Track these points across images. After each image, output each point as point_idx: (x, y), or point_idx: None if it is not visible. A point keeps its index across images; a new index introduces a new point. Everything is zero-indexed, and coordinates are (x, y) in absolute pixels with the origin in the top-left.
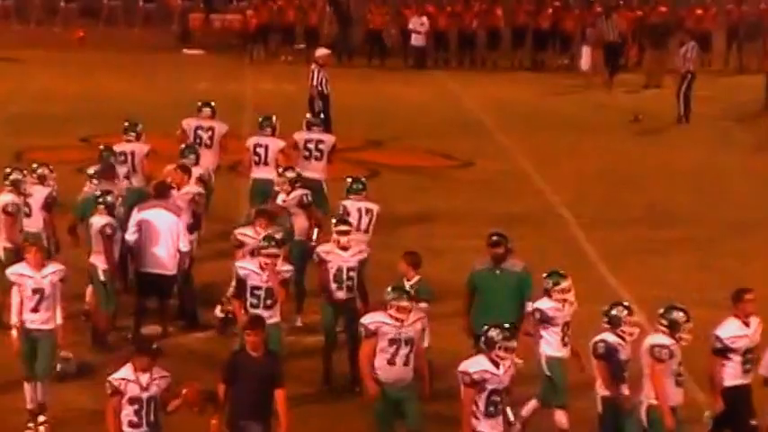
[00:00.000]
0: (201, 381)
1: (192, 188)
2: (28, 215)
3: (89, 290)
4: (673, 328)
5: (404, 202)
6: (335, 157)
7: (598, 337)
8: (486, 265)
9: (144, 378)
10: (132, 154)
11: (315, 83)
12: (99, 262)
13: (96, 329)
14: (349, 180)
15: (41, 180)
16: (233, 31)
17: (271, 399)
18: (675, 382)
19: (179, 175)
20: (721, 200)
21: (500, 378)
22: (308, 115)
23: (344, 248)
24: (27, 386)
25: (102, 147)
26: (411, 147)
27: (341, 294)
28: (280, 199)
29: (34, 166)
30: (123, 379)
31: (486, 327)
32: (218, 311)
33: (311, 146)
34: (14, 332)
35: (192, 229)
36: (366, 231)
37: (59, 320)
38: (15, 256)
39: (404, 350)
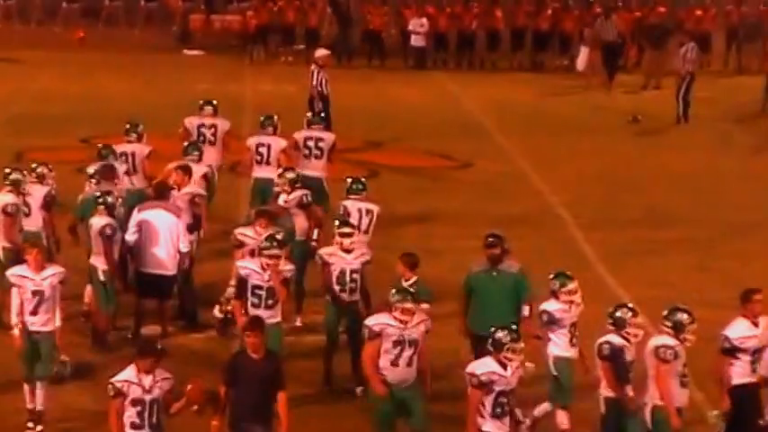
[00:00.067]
0: (191, 381)
1: (193, 189)
2: (27, 214)
3: (88, 290)
4: (677, 329)
5: (403, 202)
6: (336, 157)
7: (603, 339)
8: (483, 267)
9: (147, 380)
10: (133, 155)
11: (315, 83)
12: (99, 262)
13: (96, 330)
14: (349, 180)
15: (40, 179)
16: (233, 31)
17: (272, 400)
18: (680, 383)
19: (179, 175)
20: (720, 201)
21: (507, 379)
22: (309, 114)
23: (347, 251)
24: (27, 386)
25: (101, 146)
26: (410, 147)
27: (344, 296)
28: (281, 199)
29: (33, 165)
30: (126, 381)
31: (493, 329)
32: (216, 312)
33: (311, 144)
34: (16, 331)
35: (191, 229)
36: (366, 232)
37: (58, 323)
38: (15, 255)
39: (408, 352)
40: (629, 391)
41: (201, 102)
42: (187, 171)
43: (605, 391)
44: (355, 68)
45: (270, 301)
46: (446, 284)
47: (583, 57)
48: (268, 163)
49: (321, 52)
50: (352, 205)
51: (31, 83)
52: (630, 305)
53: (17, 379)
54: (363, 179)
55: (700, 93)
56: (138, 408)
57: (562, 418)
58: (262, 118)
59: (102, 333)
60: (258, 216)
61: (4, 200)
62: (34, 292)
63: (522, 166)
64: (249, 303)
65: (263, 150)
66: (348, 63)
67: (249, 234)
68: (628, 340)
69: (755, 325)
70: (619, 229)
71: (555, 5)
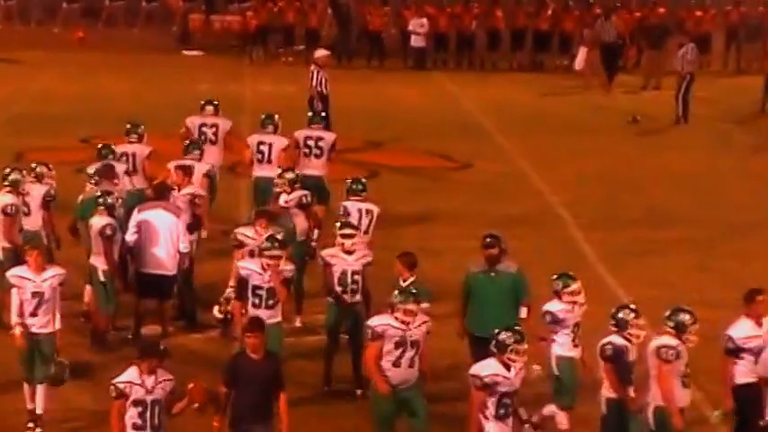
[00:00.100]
0: (193, 379)
1: (192, 189)
2: (27, 214)
3: (87, 290)
4: (679, 329)
5: (403, 202)
6: (336, 157)
7: (605, 340)
8: (481, 267)
9: (149, 381)
10: (134, 155)
11: (314, 84)
12: (99, 263)
13: (96, 330)
14: (349, 181)
15: (39, 178)
16: (233, 32)
17: (272, 400)
18: (682, 383)
19: (179, 175)
20: (720, 201)
21: (511, 381)
22: (311, 114)
23: (349, 252)
24: (27, 387)
25: (100, 145)
26: (410, 148)
27: (345, 298)
28: (282, 200)
29: (33, 165)
30: (129, 382)
31: (496, 330)
32: (216, 312)
33: (311, 143)
34: (17, 330)
35: (191, 229)
36: (366, 232)
37: (58, 325)
38: (15, 256)
39: (409, 353)
40: (631, 393)
41: (203, 101)
42: (187, 171)
43: (607, 393)
44: (355, 69)
45: (270, 302)
46: (446, 284)
47: (581, 57)
48: (269, 161)
49: (321, 53)
50: (353, 206)
51: (30, 83)
52: (633, 306)
53: (17, 379)
54: (363, 180)
55: (699, 93)
56: (140, 408)
57: (562, 419)
58: (262, 117)
59: (102, 333)
60: (258, 216)
61: (4, 200)
62: (34, 294)
63: (522, 167)
64: (250, 304)
65: (265, 149)
66: (348, 63)
67: (249, 234)
68: (630, 341)
69: (759, 325)
70: (619, 229)
71: (555, 6)
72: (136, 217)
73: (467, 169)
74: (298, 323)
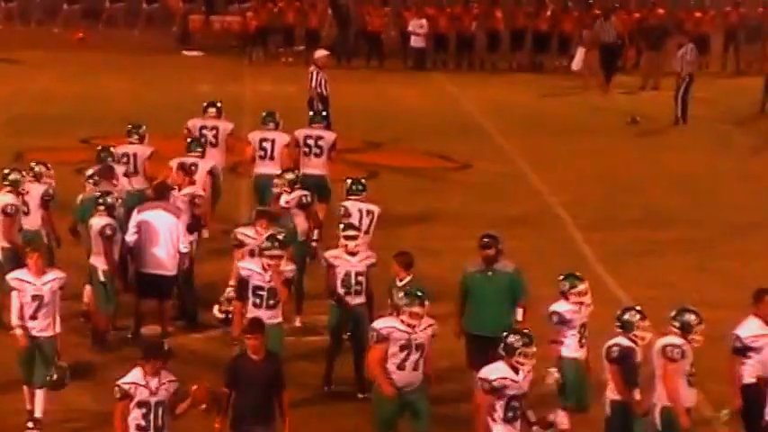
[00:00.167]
0: (200, 381)
1: (192, 189)
2: (26, 213)
3: (87, 290)
4: (685, 329)
5: (403, 203)
6: (336, 156)
7: (612, 341)
8: (478, 267)
9: (153, 382)
10: (135, 156)
11: (314, 84)
12: (99, 263)
13: (96, 330)
14: (349, 182)
15: (37, 178)
16: (233, 32)
17: (273, 401)
18: (688, 383)
19: (179, 176)
20: (719, 201)
21: (519, 384)
22: (312, 114)
23: (352, 253)
24: (26, 389)
25: (99, 148)
26: (410, 148)
27: (349, 299)
28: (282, 200)
29: (32, 164)
30: (133, 383)
31: (505, 333)
32: (216, 312)
33: (311, 142)
34: (19, 330)
35: (191, 229)
36: (366, 233)
37: (58, 329)
38: (14, 256)
39: (414, 356)
40: (637, 395)
41: (205, 103)
42: (188, 171)
43: (611, 394)
44: (355, 69)
45: (271, 302)
46: (446, 285)
47: (578, 57)
48: (272, 158)
49: (320, 53)
50: (353, 206)
51: (31, 83)
52: (638, 308)
53: (17, 379)
54: (363, 180)
55: (698, 94)
56: (144, 410)
57: (563, 419)
58: (263, 114)
59: (102, 333)
60: (259, 216)
61: (4, 200)
62: (34, 297)
63: (522, 167)
64: (250, 304)
65: (267, 146)
66: (347, 64)
67: (249, 234)
68: (635, 343)
69: (767, 324)
70: (618, 230)
71: (554, 7)
72: (136, 217)
73: (466, 170)
74: (297, 323)
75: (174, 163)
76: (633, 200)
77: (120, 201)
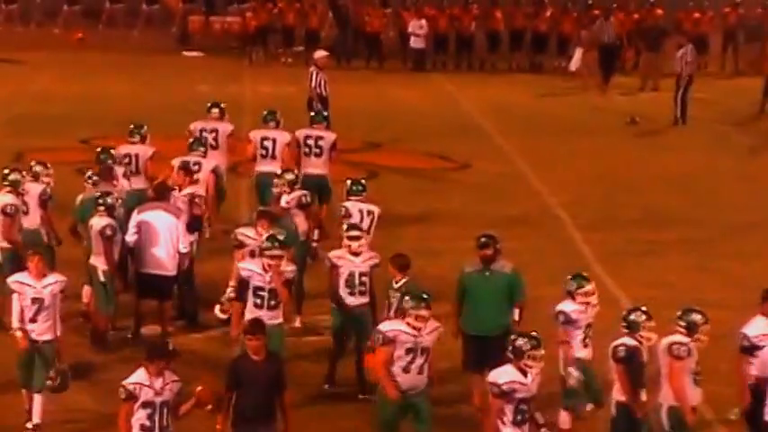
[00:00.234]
0: (201, 381)
1: (192, 189)
2: (26, 213)
3: (85, 290)
4: (690, 329)
5: (403, 203)
6: (337, 156)
7: (618, 342)
8: (476, 267)
9: (158, 382)
10: (137, 156)
11: (314, 85)
12: (99, 263)
13: (96, 330)
14: (349, 182)
15: (36, 177)
16: (232, 33)
17: (274, 401)
18: (693, 381)
19: (180, 176)
20: (718, 202)
21: (528, 387)
22: (313, 113)
23: (356, 254)
24: (25, 391)
25: (99, 149)
26: (410, 149)
27: (352, 300)
28: (283, 201)
29: (32, 164)
30: (138, 383)
31: (513, 336)
32: (218, 313)
33: (311, 142)
34: (19, 333)
35: (191, 229)
36: (367, 233)
37: (59, 332)
38: (14, 256)
39: (419, 359)
40: (643, 396)
41: (209, 104)
42: (188, 172)
43: (617, 395)
44: (354, 70)
45: (272, 303)
46: (446, 285)
47: (576, 58)
48: (273, 157)
49: (320, 54)
50: (353, 206)
51: (31, 84)
52: (644, 308)
53: (17, 379)
54: (363, 180)
55: (697, 94)
56: (149, 410)
57: (565, 419)
58: (264, 113)
59: (102, 333)
60: (260, 217)
61: (4, 200)
62: (34, 300)
63: (521, 167)
64: (252, 305)
65: (268, 144)
66: (347, 65)
67: (250, 235)
68: (641, 343)
69: None
70: (617, 230)
71: (554, 7)
72: (136, 218)
73: (466, 170)
74: (297, 323)
75: (176, 162)
76: (632, 200)
77: (119, 201)
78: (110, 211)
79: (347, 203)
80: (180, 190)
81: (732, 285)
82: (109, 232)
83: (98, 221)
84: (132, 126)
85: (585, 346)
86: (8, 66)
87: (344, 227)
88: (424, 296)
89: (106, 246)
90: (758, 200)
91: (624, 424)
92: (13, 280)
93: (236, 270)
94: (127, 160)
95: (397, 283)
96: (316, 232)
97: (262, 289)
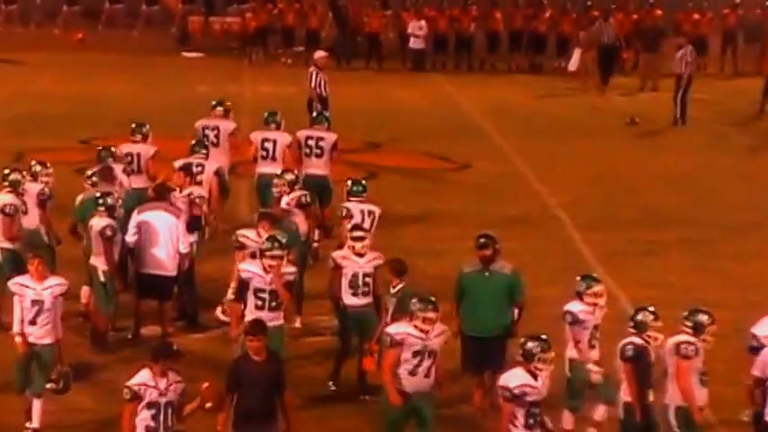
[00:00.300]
0: (201, 381)
1: (192, 189)
2: (25, 212)
3: (84, 290)
4: (697, 329)
5: (403, 203)
6: (338, 157)
7: (625, 341)
8: (475, 267)
9: (162, 383)
10: (138, 155)
11: (313, 85)
12: (99, 263)
13: (96, 330)
14: (349, 183)
15: (35, 177)
16: (232, 33)
17: (275, 402)
18: (700, 381)
19: (180, 176)
20: (718, 202)
21: (539, 390)
22: (315, 114)
23: (360, 254)
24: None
25: (100, 147)
26: (410, 149)
27: (356, 300)
28: (284, 202)
29: (32, 163)
30: (143, 384)
31: (522, 339)
32: (219, 314)
33: (311, 143)
34: (18, 338)
35: (191, 229)
36: (368, 233)
37: (60, 335)
38: (13, 257)
39: (426, 362)
40: (651, 396)
41: (214, 102)
42: (189, 172)
43: (625, 396)
44: (354, 71)
45: (273, 304)
46: (446, 285)
47: (575, 58)
48: (273, 158)
49: (320, 54)
50: (355, 207)
51: (31, 84)
52: (651, 308)
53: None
54: (363, 181)
55: (696, 95)
56: (154, 411)
57: (567, 419)
58: (265, 114)
59: (102, 334)
60: (261, 218)
61: (3, 200)
62: (33, 302)
63: (521, 168)
64: (253, 306)
65: (269, 146)
66: (347, 65)
67: (251, 236)
68: (648, 343)
69: None
70: (617, 230)
71: (553, 8)
72: (136, 218)
73: (465, 170)
74: (297, 324)
75: (178, 164)
76: (632, 200)
77: (120, 201)
78: (110, 211)
79: (348, 204)
80: (180, 190)
81: (732, 285)
82: (109, 233)
83: (98, 222)
84: (134, 125)
85: (592, 347)
86: (8, 66)
87: (348, 227)
88: (431, 298)
89: (106, 246)
90: (758, 200)
91: (632, 424)
92: (13, 282)
93: (236, 271)
94: (129, 159)
95: (393, 288)
96: (316, 232)
97: (262, 290)
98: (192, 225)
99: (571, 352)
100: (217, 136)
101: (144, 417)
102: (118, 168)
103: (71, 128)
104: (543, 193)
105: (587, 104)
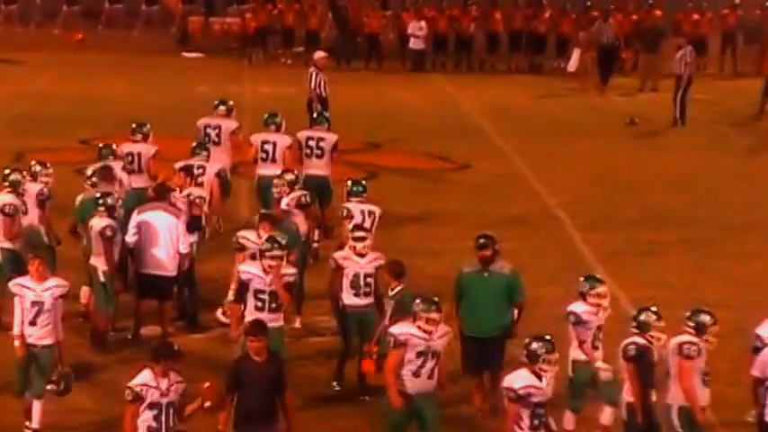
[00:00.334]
0: (202, 382)
1: (191, 189)
2: (25, 213)
3: (84, 290)
4: (699, 330)
5: (403, 203)
6: (338, 157)
7: (628, 340)
8: (475, 268)
9: (164, 383)
10: (139, 155)
11: (313, 86)
12: (99, 263)
13: (96, 330)
14: (349, 183)
15: (34, 177)
16: (232, 34)
17: (276, 402)
18: (702, 382)
19: (181, 177)
20: (717, 202)
21: (544, 391)
22: (315, 115)
23: (361, 255)
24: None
25: (101, 145)
26: (409, 149)
27: (357, 300)
28: (284, 203)
29: (32, 163)
30: (145, 384)
31: (527, 340)
32: (220, 316)
33: (312, 143)
34: (17, 342)
35: (191, 230)
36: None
37: (60, 337)
38: (13, 257)
39: (430, 363)
40: (653, 397)
41: (216, 101)
42: (189, 173)
43: (628, 397)
44: (354, 71)
45: (273, 305)
46: (446, 285)
47: (574, 58)
48: (273, 160)
49: (320, 54)
50: (355, 207)
51: (31, 84)
52: (654, 308)
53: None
54: (363, 181)
55: (696, 95)
56: (155, 411)
57: (569, 419)
58: (265, 116)
59: (102, 334)
60: (262, 220)
61: (3, 200)
62: (33, 303)
63: (521, 168)
64: (253, 307)
65: (269, 148)
66: (347, 65)
67: (251, 238)
68: (651, 343)
69: None
70: (617, 230)
71: (552, 9)
72: (136, 218)
73: (465, 170)
74: (297, 324)
75: (179, 165)
76: (632, 200)
77: (120, 201)
78: (110, 211)
79: (349, 204)
80: (180, 191)
81: (732, 285)
82: (109, 233)
83: (98, 222)
84: (135, 124)
85: (596, 348)
86: (8, 66)
87: (349, 228)
88: (435, 299)
89: (106, 246)
90: (758, 200)
91: (635, 425)
92: (14, 283)
93: (236, 273)
94: (129, 159)
95: (392, 290)
96: (316, 233)
97: (262, 292)
98: (192, 225)
99: (574, 352)
100: (218, 135)
101: (146, 417)
102: (117, 167)
103: (71, 128)
104: (543, 193)
105: (587, 105)
